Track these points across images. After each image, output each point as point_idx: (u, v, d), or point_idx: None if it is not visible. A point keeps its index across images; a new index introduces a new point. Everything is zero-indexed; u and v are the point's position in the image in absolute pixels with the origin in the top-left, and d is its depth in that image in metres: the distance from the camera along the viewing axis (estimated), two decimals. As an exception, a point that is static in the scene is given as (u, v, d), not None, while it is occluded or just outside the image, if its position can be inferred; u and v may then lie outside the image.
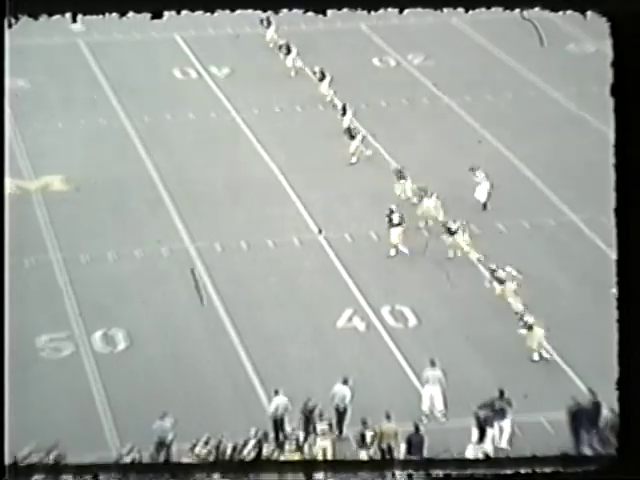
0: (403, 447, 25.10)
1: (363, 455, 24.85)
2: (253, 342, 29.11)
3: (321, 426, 25.16)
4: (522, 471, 15.59)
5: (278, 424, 25.47)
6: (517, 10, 15.27)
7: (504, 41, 47.20)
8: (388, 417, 25.07)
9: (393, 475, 16.29)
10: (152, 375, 27.85)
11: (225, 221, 34.80)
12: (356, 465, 18.90)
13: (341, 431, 25.64)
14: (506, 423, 25.43)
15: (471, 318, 29.75)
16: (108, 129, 40.85)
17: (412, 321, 30.05)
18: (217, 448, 24.25)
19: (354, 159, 37.67)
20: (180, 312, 30.45)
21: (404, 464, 16.36)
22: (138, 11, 14.38)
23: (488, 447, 24.83)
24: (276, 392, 26.00)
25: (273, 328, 29.73)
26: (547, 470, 15.55)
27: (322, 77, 42.13)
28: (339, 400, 26.00)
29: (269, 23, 46.67)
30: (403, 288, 31.26)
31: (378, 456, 24.88)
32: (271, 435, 24.86)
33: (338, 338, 29.37)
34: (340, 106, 40.16)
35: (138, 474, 15.70)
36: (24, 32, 48.60)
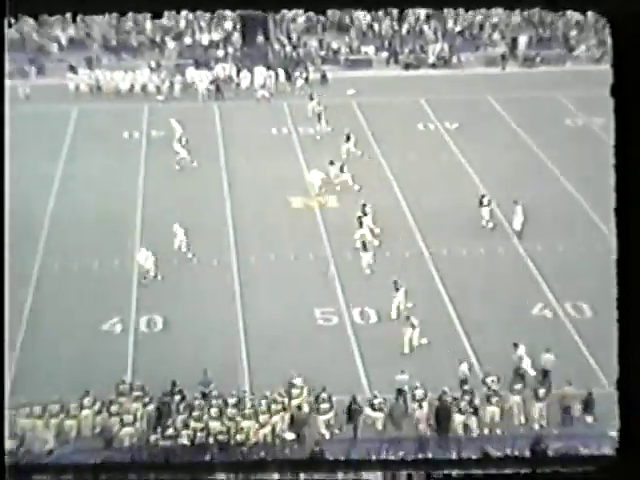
0: (579, 407, 24.27)
1: (537, 408, 23.90)
2: (466, 323, 28.71)
3: (517, 386, 24.62)
4: (522, 471, 12.91)
5: (465, 382, 25.17)
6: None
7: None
8: (570, 383, 24.31)
9: (393, 476, 14.17)
10: (390, 342, 27.61)
11: (446, 233, 34.08)
12: (357, 465, 16.53)
13: (550, 387, 24.73)
14: None
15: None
16: (367, 164, 40.61)
17: (588, 313, 29.00)
18: (439, 399, 24.05)
19: (338, 187, 37.29)
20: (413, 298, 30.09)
21: (405, 464, 14.07)
22: (138, 11, 11.85)
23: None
24: (460, 362, 25.60)
25: (481, 315, 29.17)
26: (547, 470, 12.87)
27: (348, 138, 40.95)
28: (547, 364, 25.38)
29: (312, 97, 45.94)
30: (583, 287, 30.13)
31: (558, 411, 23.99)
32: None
33: (532, 323, 28.64)
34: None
35: (139, 474, 13.70)
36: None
